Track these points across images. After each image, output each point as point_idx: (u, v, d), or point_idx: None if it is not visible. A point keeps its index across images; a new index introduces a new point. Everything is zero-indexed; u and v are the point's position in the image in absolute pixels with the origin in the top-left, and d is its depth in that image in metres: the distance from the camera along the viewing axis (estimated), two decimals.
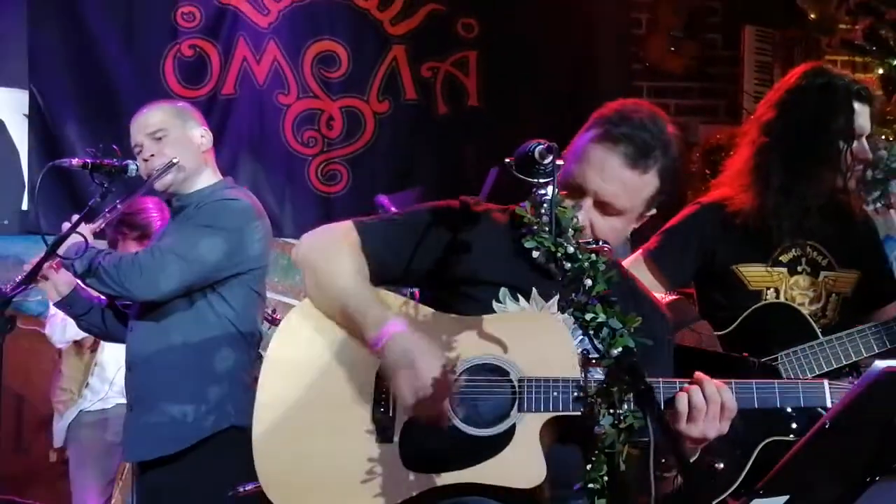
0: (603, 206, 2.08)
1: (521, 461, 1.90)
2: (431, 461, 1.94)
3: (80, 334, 4.01)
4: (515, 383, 1.95)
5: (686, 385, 1.88)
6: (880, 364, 1.56)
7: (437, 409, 1.91)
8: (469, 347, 2.00)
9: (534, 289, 2.07)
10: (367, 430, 2.00)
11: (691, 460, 1.91)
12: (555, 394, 1.92)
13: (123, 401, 3.69)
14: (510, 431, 1.92)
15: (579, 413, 1.91)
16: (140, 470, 3.19)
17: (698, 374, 1.88)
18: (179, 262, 2.99)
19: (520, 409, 1.93)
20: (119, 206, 3.13)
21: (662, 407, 1.87)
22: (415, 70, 5.04)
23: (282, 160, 4.97)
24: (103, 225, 3.14)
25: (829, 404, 1.92)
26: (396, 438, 1.98)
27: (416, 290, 2.34)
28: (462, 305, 2.07)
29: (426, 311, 2.09)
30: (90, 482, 4.03)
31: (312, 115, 5.00)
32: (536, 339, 1.98)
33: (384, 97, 5.03)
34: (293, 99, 4.99)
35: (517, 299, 2.07)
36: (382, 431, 1.99)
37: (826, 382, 1.96)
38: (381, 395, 2.01)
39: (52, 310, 4.04)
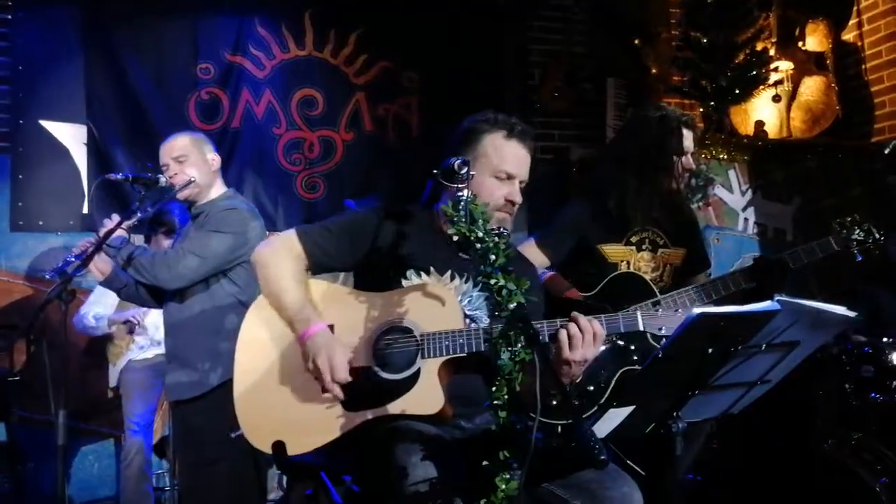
0: (520, 183, 2.12)
1: (425, 394, 1.90)
2: (363, 402, 1.93)
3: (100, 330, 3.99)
4: (418, 337, 1.94)
5: (564, 323, 1.86)
6: (696, 310, 1.55)
7: (333, 387, 1.90)
8: (383, 314, 1.98)
9: (431, 267, 2.07)
10: (315, 387, 1.97)
11: (577, 380, 1.89)
12: (447, 343, 1.91)
13: (161, 351, 3.61)
14: (417, 374, 1.92)
15: (465, 354, 1.91)
16: (174, 405, 3.12)
17: (573, 313, 1.87)
18: (197, 259, 2.92)
19: (423, 357, 1.92)
20: (150, 209, 3.03)
21: (548, 340, 1.87)
22: (372, 110, 4.95)
23: (276, 175, 4.83)
24: (136, 222, 3.03)
25: (640, 327, 1.87)
26: None
27: None
28: (380, 283, 2.05)
29: (349, 291, 2.07)
30: (136, 411, 3.92)
31: (298, 142, 4.88)
32: (432, 303, 1.97)
33: (350, 129, 4.93)
34: (283, 130, 4.86)
35: (420, 275, 2.06)
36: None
37: (638, 312, 1.88)
38: None
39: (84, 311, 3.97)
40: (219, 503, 2.92)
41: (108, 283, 3.05)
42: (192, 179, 3.01)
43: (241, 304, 3.00)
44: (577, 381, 1.91)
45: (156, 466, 3.95)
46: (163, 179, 3.02)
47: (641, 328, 1.85)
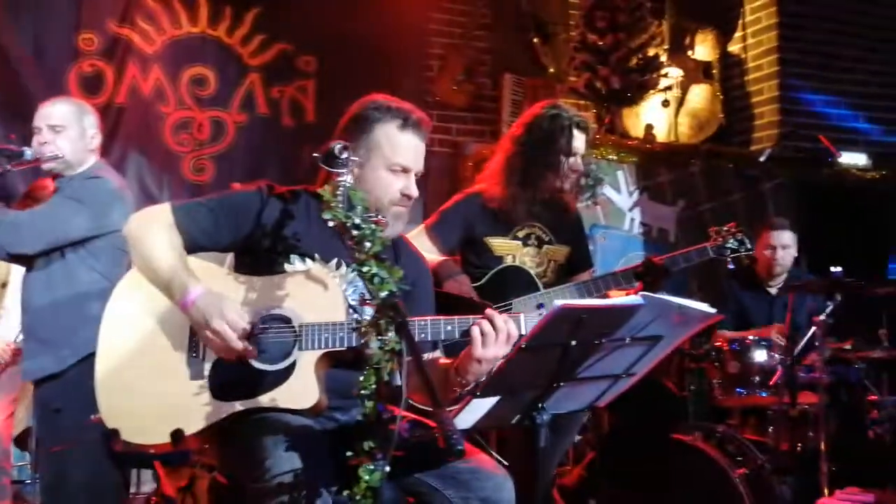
0: (415, 174, 2.07)
1: (300, 388, 1.85)
2: (234, 392, 1.86)
3: None
4: (297, 328, 1.88)
5: (478, 320, 1.82)
6: (558, 302, 1.57)
7: (236, 351, 1.82)
8: (263, 299, 1.90)
9: (316, 253, 2.00)
10: (184, 371, 1.89)
11: (484, 378, 1.83)
12: (326, 335, 1.86)
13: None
14: (293, 366, 1.86)
15: (344, 348, 1.86)
16: (35, 386, 2.93)
17: (488, 311, 1.82)
18: (47, 227, 2.74)
19: (300, 349, 1.86)
20: (9, 167, 2.83)
21: (459, 336, 1.84)
22: (266, 92, 4.82)
23: (162, 156, 4.64)
24: None
25: (523, 331, 1.84)
26: (206, 376, 1.88)
27: None
28: (262, 266, 1.98)
29: (228, 272, 1.98)
30: None
31: (187, 122, 4.71)
32: (314, 291, 1.91)
33: (242, 111, 4.79)
34: (172, 109, 4.68)
35: (304, 261, 1.99)
36: (196, 372, 1.89)
37: (522, 315, 1.85)
38: (194, 344, 1.91)
39: None
40: (79, 489, 2.77)
41: None
42: (60, 156, 2.83)
43: (108, 284, 2.83)
44: (482, 379, 1.87)
45: (16, 458, 3.72)
46: (28, 153, 2.83)
47: (525, 332, 1.80)
